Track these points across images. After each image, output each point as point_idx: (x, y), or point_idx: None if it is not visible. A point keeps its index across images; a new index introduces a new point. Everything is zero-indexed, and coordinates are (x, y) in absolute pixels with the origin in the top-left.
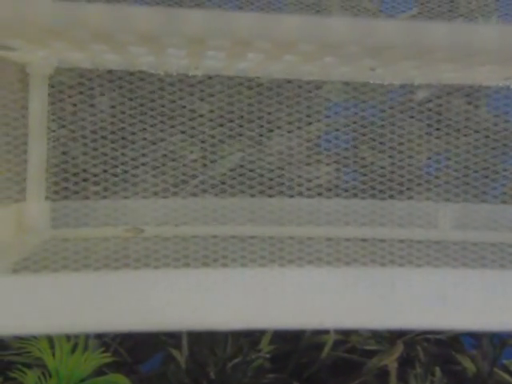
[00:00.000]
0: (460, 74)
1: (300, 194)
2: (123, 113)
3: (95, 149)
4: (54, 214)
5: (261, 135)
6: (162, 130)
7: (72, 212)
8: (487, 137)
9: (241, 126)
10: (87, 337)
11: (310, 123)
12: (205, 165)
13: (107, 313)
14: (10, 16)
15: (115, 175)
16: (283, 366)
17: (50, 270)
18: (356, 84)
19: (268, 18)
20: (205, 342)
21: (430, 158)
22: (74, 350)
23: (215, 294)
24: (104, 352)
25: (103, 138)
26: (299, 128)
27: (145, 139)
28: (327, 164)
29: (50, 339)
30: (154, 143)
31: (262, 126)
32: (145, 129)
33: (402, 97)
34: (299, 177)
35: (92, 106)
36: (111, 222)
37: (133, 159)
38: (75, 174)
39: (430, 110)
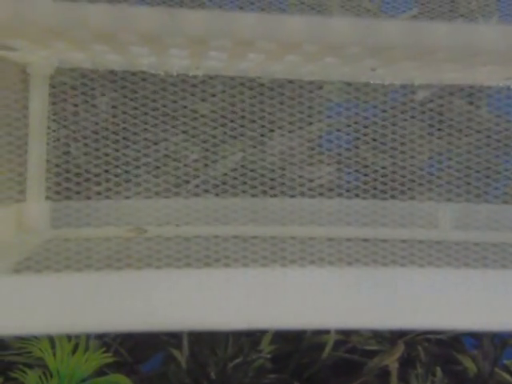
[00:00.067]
0: (461, 74)
1: (301, 194)
2: (124, 113)
3: (96, 149)
4: (55, 214)
5: (262, 135)
6: (163, 130)
7: (72, 212)
8: (488, 137)
9: (242, 126)
10: (88, 337)
11: (311, 123)
12: (206, 165)
13: (109, 313)
14: (10, 16)
15: (116, 175)
16: (284, 367)
17: (51, 270)
18: (357, 84)
19: (270, 19)
20: (205, 342)
21: (431, 158)
22: (75, 350)
23: (217, 294)
24: (105, 352)
25: (104, 138)
26: (300, 128)
27: (146, 139)
28: (328, 164)
29: (51, 339)
30: (155, 143)
31: (263, 126)
32: (146, 129)
33: (403, 97)
34: (301, 177)
35: (93, 106)
36: (112, 222)
37: (134, 159)
38: (76, 174)
39: (431, 110)
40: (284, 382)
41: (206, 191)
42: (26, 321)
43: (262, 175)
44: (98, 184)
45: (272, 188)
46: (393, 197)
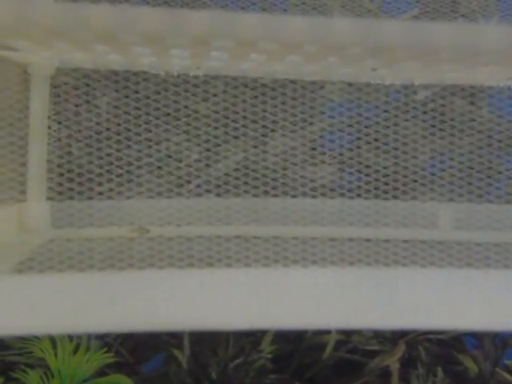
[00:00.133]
0: (462, 74)
1: (303, 194)
2: (125, 113)
3: (97, 149)
4: (57, 214)
5: (264, 135)
6: (164, 130)
7: (73, 212)
8: (490, 137)
9: (244, 126)
10: (89, 337)
11: (312, 123)
12: (208, 165)
13: (111, 313)
14: (12, 17)
15: (118, 175)
16: (285, 367)
17: (54, 270)
18: (358, 84)
19: (272, 19)
20: (206, 342)
21: (432, 158)
22: (76, 350)
23: (219, 294)
24: (106, 352)
25: (104, 138)
26: (302, 128)
27: (147, 139)
28: (330, 164)
29: (52, 339)
30: (157, 143)
31: (264, 126)
32: (147, 129)
33: (404, 97)
34: (302, 177)
35: (94, 106)
36: (114, 222)
37: (135, 159)
38: (77, 174)
39: (432, 110)
40: (285, 382)
41: (208, 191)
42: (28, 321)
43: (264, 175)
44: (100, 184)
45: (274, 188)
46: (394, 197)
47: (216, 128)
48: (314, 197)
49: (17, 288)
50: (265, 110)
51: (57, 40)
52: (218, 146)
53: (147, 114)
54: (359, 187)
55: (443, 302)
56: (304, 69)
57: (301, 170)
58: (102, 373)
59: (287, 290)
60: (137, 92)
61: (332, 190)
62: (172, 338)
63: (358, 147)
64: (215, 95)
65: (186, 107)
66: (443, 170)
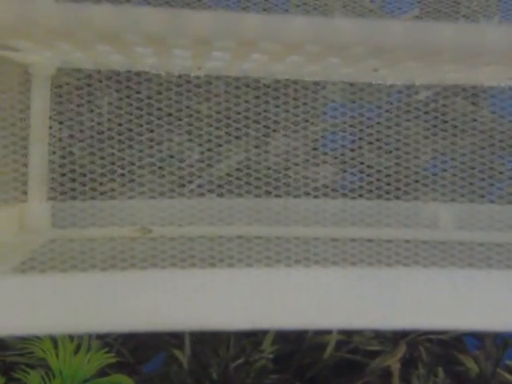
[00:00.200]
0: (463, 74)
1: (305, 194)
2: (127, 113)
3: (100, 149)
4: (58, 214)
5: (265, 135)
6: (166, 130)
7: (75, 212)
8: (491, 137)
9: (246, 127)
10: (90, 337)
11: (314, 123)
12: (210, 165)
13: (113, 313)
14: (13, 17)
15: (120, 175)
16: (286, 367)
17: (56, 270)
18: (360, 84)
19: (274, 19)
20: (207, 342)
21: (434, 158)
22: (77, 350)
23: (221, 294)
24: (107, 353)
25: (106, 138)
26: (304, 128)
27: (149, 139)
28: (332, 164)
29: (53, 339)
30: (158, 143)
31: (266, 127)
32: (148, 129)
33: (406, 97)
34: (304, 177)
35: (95, 106)
36: (116, 222)
37: (137, 159)
38: (78, 175)
39: (433, 110)
40: (286, 382)
41: (210, 191)
42: (30, 321)
43: (266, 175)
44: (101, 184)
45: (276, 188)
46: (396, 197)
47: (218, 128)
48: (315, 197)
49: (19, 288)
50: (266, 110)
51: (58, 40)
52: (220, 146)
53: (149, 114)
54: (361, 187)
55: (445, 302)
56: (305, 69)
57: (303, 170)
58: (103, 373)
59: (289, 290)
60: (138, 92)
61: (334, 190)
62: (173, 338)
63: (360, 147)
64: (217, 95)
65: (187, 107)
66: (445, 170)
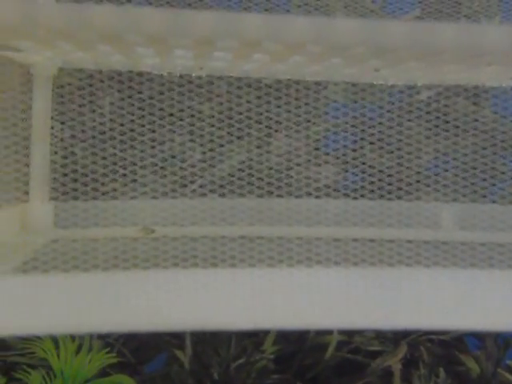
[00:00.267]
0: (465, 74)
1: (307, 194)
2: (129, 113)
3: (102, 149)
4: (60, 214)
5: (267, 135)
6: (168, 131)
7: (77, 212)
8: (493, 137)
9: (247, 127)
10: (92, 337)
11: (316, 124)
12: (212, 165)
13: (116, 313)
14: (15, 18)
15: (122, 175)
16: (287, 367)
17: (58, 270)
18: (362, 85)
19: (275, 20)
20: (208, 342)
21: (436, 158)
22: (78, 350)
23: (223, 294)
24: (108, 353)
25: (108, 138)
26: (306, 128)
27: (151, 140)
28: (334, 164)
29: (54, 340)
30: (160, 143)
31: (268, 127)
32: (150, 129)
33: (407, 97)
34: (306, 177)
35: (97, 106)
36: (118, 223)
37: (139, 159)
38: (80, 175)
39: (435, 110)
40: (287, 382)
41: (212, 191)
42: (32, 321)
43: (268, 175)
44: (103, 184)
45: (278, 188)
46: (398, 197)
47: (219, 128)
48: (317, 197)
49: (20, 288)
50: (268, 111)
51: (60, 40)
52: (222, 146)
53: (151, 114)
54: (363, 187)
55: (447, 302)
56: (307, 69)
57: (304, 171)
58: (104, 373)
59: (291, 290)
60: (140, 92)
61: (336, 190)
62: (174, 339)
63: (362, 147)
64: (219, 95)
65: (189, 107)
66: (446, 171)
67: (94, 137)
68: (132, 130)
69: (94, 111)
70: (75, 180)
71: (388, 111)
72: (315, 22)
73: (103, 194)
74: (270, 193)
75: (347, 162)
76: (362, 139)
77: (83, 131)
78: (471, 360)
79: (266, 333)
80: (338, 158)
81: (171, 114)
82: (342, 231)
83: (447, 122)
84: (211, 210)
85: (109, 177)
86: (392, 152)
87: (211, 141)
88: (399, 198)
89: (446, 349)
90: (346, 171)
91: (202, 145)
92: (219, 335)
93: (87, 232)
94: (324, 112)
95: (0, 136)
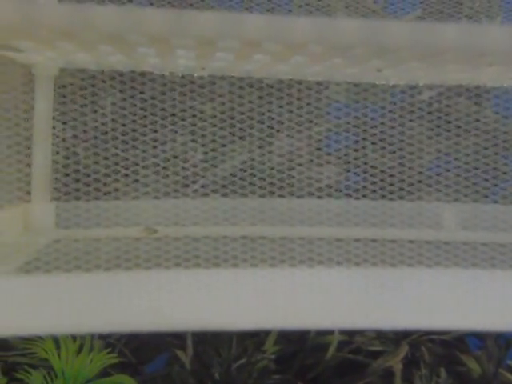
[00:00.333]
0: (466, 74)
1: (309, 194)
2: (131, 113)
3: (104, 149)
4: (62, 214)
5: (269, 135)
6: (169, 131)
7: (79, 212)
8: (495, 137)
9: (249, 127)
10: (93, 337)
11: (318, 124)
12: (213, 165)
13: (118, 313)
14: (17, 18)
15: (124, 176)
16: (288, 367)
17: (60, 270)
18: (364, 85)
19: (277, 20)
20: (209, 342)
21: (438, 159)
22: (79, 350)
23: (225, 294)
24: (109, 353)
25: (110, 138)
26: (308, 128)
27: (152, 140)
28: (335, 164)
29: (55, 340)
30: (162, 143)
31: (270, 127)
32: (152, 129)
33: (409, 97)
34: (308, 177)
35: (98, 106)
36: (120, 223)
37: (141, 159)
38: (82, 175)
39: (437, 110)
40: (288, 382)
41: (214, 191)
42: (34, 321)
43: (270, 175)
44: (105, 184)
45: (280, 188)
46: (400, 197)
47: (221, 128)
48: (319, 197)
49: (22, 288)
50: (270, 111)
51: (61, 41)
52: (224, 146)
53: (152, 114)
54: (365, 188)
55: (449, 302)
56: (309, 69)
57: (306, 171)
58: (105, 373)
59: (293, 290)
60: (142, 92)
61: (338, 190)
62: (175, 339)
63: (364, 147)
64: (220, 96)
65: (191, 107)
66: (448, 171)
67: (95, 137)
68: (134, 130)
69: (95, 111)
70: (77, 180)
71: (390, 111)
72: (317, 22)
73: (105, 194)
74: (272, 193)
75: (349, 162)
76: (363, 139)
77: (85, 131)
78: (472, 360)
79: (267, 333)
80: (339, 158)
81: (173, 114)
82: (343, 231)
83: (449, 122)
84: (213, 210)
85: (111, 177)
86: (394, 152)
87: (213, 141)
88: (401, 198)
89: (447, 349)
90: (348, 171)
91: (203, 145)
92: (220, 335)
93: (89, 232)
94: (326, 112)
95: (2, 136)
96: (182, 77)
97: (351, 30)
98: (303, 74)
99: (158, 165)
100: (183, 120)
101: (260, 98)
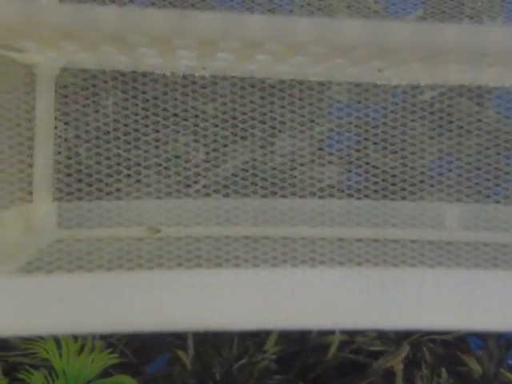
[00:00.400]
0: (468, 74)
1: (311, 194)
2: (132, 113)
3: (106, 149)
4: (64, 214)
5: (271, 136)
6: (171, 131)
7: (81, 212)
8: (496, 137)
9: (251, 127)
10: (94, 338)
11: (319, 124)
12: (215, 165)
13: (120, 313)
14: (18, 18)
15: (125, 176)
16: (289, 367)
17: (62, 270)
18: (365, 85)
19: (279, 20)
20: (210, 342)
21: (439, 159)
22: (81, 350)
23: (227, 294)
24: (110, 353)
25: (112, 138)
26: (309, 128)
27: (154, 140)
28: (337, 165)
29: (56, 340)
30: (164, 143)
31: (272, 127)
32: (154, 129)
33: (411, 97)
34: (310, 177)
35: (101, 106)
36: (122, 223)
37: (143, 160)
38: (84, 175)
39: (438, 110)
40: (289, 383)
41: (216, 191)
42: (36, 321)
43: (272, 176)
44: (107, 185)
45: (281, 188)
46: (402, 197)
47: (223, 128)
48: (321, 197)
49: (24, 288)
50: (272, 111)
51: (63, 41)
52: (226, 146)
53: (154, 114)
54: (366, 188)
55: (450, 302)
56: (310, 70)
57: (308, 171)
58: (106, 373)
59: (295, 290)
60: (144, 92)
61: (339, 190)
62: (176, 339)
63: (365, 148)
64: (222, 96)
65: (193, 108)
66: (450, 171)
67: (97, 137)
68: (136, 130)
69: (97, 111)
70: (79, 180)
71: (391, 111)
72: (318, 22)
73: (107, 194)
74: (274, 193)
75: (351, 162)
76: (365, 139)
77: (87, 131)
78: (473, 360)
79: (268, 333)
80: (341, 158)
81: (175, 114)
82: (345, 231)
83: (450, 122)
84: (215, 210)
85: (113, 177)
86: (395, 152)
87: (215, 141)
88: (403, 198)
89: (448, 349)
90: (350, 171)
91: (205, 145)
92: (221, 335)
93: (91, 232)
94: (327, 112)
95: (4, 136)
96: (184, 77)
97: (353, 30)
98: (305, 74)
99: (160, 165)
100: (185, 120)
101: (262, 98)
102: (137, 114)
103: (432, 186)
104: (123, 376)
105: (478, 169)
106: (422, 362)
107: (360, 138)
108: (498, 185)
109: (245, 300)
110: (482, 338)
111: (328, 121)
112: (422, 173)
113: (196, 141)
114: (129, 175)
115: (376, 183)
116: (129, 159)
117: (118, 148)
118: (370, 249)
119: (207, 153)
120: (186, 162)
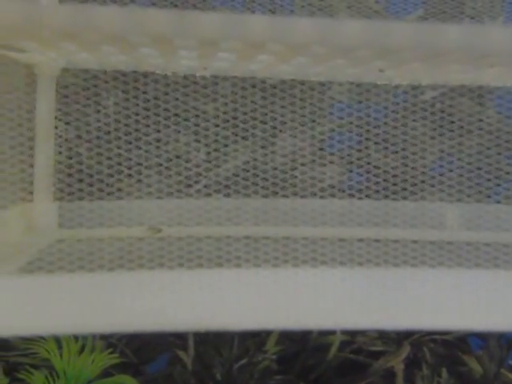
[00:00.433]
0: (469, 74)
1: (312, 194)
2: (133, 113)
3: (107, 149)
4: (64, 214)
5: (272, 136)
6: (172, 131)
7: (82, 212)
8: (497, 137)
9: (252, 127)
10: (95, 338)
11: (320, 124)
12: (216, 165)
13: (121, 313)
14: (19, 18)
15: (126, 176)
16: (290, 368)
17: (63, 270)
18: (366, 85)
19: (280, 21)
20: (211, 342)
21: (440, 159)
22: (81, 350)
23: (228, 294)
24: (110, 353)
25: (113, 138)
26: (310, 128)
27: (155, 140)
28: (338, 165)
29: (57, 340)
30: (165, 143)
31: (273, 127)
32: (155, 129)
33: (412, 98)
34: (311, 177)
35: (101, 106)
36: (123, 223)
37: (144, 159)
38: (85, 175)
39: (439, 110)
40: (290, 383)
41: (217, 191)
42: (37, 321)
43: (273, 176)
44: (108, 185)
45: (283, 188)
46: (403, 197)
47: (224, 128)
48: (322, 197)
49: (25, 288)
50: (273, 111)
51: (64, 41)
52: (226, 146)
53: (155, 114)
54: (368, 188)
55: (451, 302)
56: (311, 70)
57: (309, 171)
58: (107, 373)
59: (296, 290)
60: (145, 92)
61: (340, 190)
62: (177, 339)
63: (366, 148)
64: (223, 96)
65: (194, 108)
66: (451, 171)
67: (98, 137)
68: (137, 130)
69: (98, 111)
70: (80, 180)
71: (392, 111)
72: (319, 23)
73: (108, 194)
74: (275, 193)
75: (352, 162)
76: (366, 139)
77: (88, 131)
78: (474, 360)
79: (269, 333)
80: (342, 158)
81: (176, 114)
82: (346, 231)
83: (452, 123)
84: (216, 210)
85: (114, 177)
86: (397, 152)
87: (216, 141)
88: (404, 198)
89: (448, 349)
90: (351, 171)
91: (206, 145)
92: (222, 335)
93: (92, 232)
94: (328, 112)
95: (5, 136)
96: (185, 77)
97: (354, 30)
98: (306, 75)
99: (161, 165)
100: (186, 120)
101: (263, 98)
102: (138, 114)
103: (433, 186)
104: (124, 376)
105: (479, 169)
106: (423, 362)
107: (361, 138)
108: (498, 185)
109: (246, 300)
110: (482, 338)
111: (329, 121)
112: (423, 173)
113: (197, 141)
114: (130, 175)
115: (377, 183)
116: (130, 159)
117: (119, 148)
118: (371, 249)
119: (208, 153)
120: (187, 161)
